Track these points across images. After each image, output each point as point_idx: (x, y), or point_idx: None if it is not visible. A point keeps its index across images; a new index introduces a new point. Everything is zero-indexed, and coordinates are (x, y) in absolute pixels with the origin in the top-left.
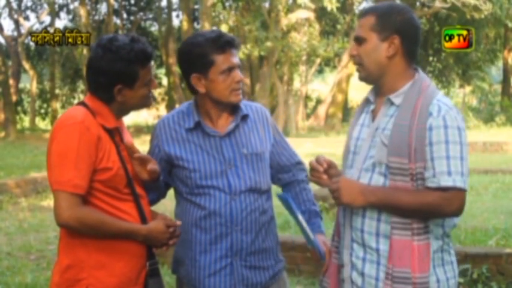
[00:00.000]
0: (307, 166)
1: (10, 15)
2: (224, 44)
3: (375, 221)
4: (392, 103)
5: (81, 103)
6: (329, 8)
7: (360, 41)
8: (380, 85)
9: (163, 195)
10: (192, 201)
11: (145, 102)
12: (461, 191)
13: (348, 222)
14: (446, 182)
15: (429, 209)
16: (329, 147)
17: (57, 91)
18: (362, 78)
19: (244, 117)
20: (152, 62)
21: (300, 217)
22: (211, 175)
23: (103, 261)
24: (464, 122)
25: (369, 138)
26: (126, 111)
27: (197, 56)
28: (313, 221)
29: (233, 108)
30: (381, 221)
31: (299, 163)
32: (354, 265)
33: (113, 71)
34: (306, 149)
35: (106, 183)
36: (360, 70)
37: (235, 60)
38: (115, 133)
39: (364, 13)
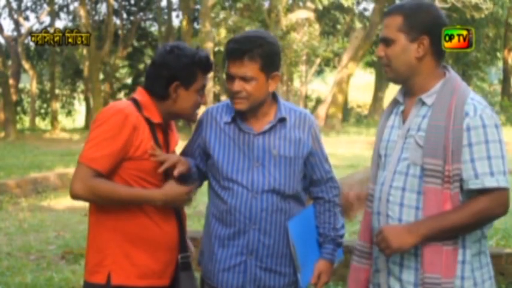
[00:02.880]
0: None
1: (10, 15)
2: (227, 51)
3: None
4: (423, 103)
5: (131, 98)
6: (325, 3)
7: (387, 42)
8: (410, 86)
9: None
10: (217, 194)
11: (192, 111)
12: (505, 190)
13: None
14: (490, 182)
15: (482, 217)
16: (329, 147)
17: (57, 91)
18: (390, 79)
19: (282, 120)
20: (209, 77)
21: (293, 249)
22: (237, 170)
23: (127, 250)
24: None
25: (401, 140)
26: (172, 115)
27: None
28: (325, 246)
29: (270, 110)
30: None
31: (331, 180)
32: (390, 271)
33: (177, 66)
34: None
35: (142, 173)
36: (388, 71)
37: (235, 70)
38: (157, 129)
39: (390, 13)
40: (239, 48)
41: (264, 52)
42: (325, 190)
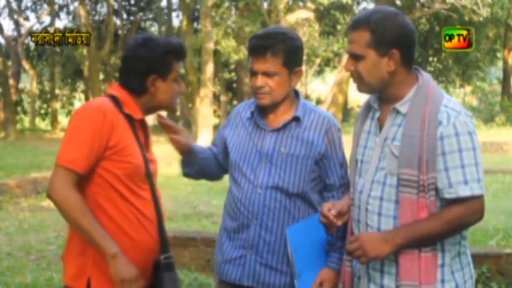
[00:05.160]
0: None
1: (10, 15)
2: (250, 48)
3: None
4: (398, 112)
5: (108, 95)
6: (325, 3)
7: (356, 57)
8: (384, 95)
9: (213, 175)
10: (230, 186)
11: (172, 101)
12: (480, 198)
13: None
14: (464, 191)
15: (456, 225)
16: None
17: (57, 91)
18: (362, 92)
19: (297, 119)
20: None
21: (290, 255)
22: (247, 165)
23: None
24: (474, 122)
25: (378, 149)
26: (152, 108)
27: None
28: (331, 255)
29: (290, 108)
30: None
31: (343, 186)
32: (371, 277)
33: (151, 58)
34: None
35: (123, 175)
36: (360, 85)
37: (258, 66)
38: (138, 125)
39: (356, 27)
40: (262, 44)
41: (286, 47)
42: (336, 196)
